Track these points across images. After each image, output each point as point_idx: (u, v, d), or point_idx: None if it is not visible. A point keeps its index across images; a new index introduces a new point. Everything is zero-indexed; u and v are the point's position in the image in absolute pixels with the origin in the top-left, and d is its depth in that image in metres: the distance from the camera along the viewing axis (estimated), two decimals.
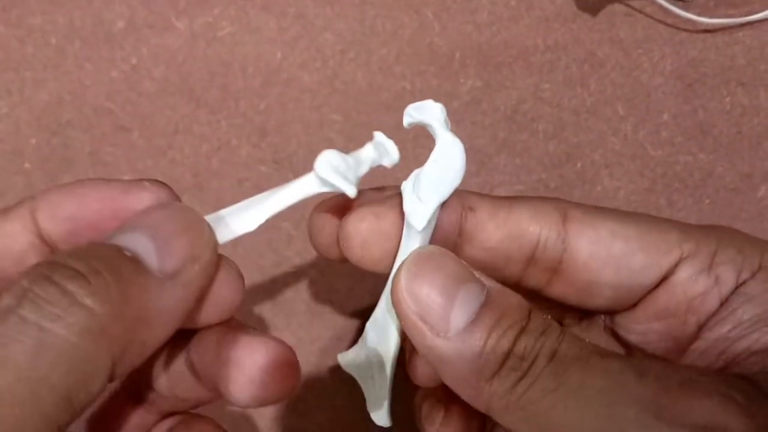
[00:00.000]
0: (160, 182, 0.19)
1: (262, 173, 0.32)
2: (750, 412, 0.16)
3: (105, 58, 0.33)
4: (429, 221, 0.19)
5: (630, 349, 0.22)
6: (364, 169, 0.20)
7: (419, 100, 0.33)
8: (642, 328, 0.22)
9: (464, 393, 0.18)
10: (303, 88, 0.33)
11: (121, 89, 0.33)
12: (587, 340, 0.18)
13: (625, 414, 0.16)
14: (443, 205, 0.20)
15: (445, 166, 0.19)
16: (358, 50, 0.33)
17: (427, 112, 0.20)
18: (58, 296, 0.15)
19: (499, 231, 0.21)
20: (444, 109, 0.20)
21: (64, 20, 0.33)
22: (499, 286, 0.18)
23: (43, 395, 0.15)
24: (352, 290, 0.31)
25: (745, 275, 0.20)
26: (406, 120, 0.20)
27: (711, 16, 0.33)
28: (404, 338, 0.21)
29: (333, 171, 0.19)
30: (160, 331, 0.17)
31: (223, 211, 0.19)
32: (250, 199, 0.20)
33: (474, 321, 0.17)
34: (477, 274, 0.19)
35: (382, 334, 0.21)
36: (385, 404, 0.22)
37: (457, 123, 0.33)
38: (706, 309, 0.20)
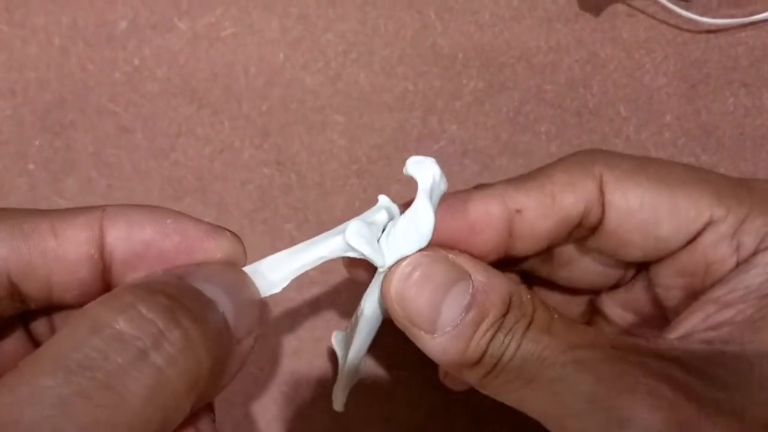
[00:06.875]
0: (237, 236, 0.20)
1: (264, 175, 0.32)
2: (674, 406, 0.17)
3: (108, 58, 0.33)
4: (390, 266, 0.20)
5: (660, 304, 0.23)
6: (379, 233, 0.21)
7: (422, 101, 0.33)
8: (666, 282, 0.22)
9: (448, 368, 0.20)
10: (305, 89, 0.33)
11: (124, 90, 0.33)
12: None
13: (566, 402, 0.18)
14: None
15: (413, 228, 0.20)
16: (360, 51, 0.33)
17: (422, 171, 0.20)
18: (180, 339, 0.16)
19: (548, 222, 0.21)
20: (438, 172, 0.20)
21: (67, 21, 0.33)
22: (485, 279, 0.20)
23: None
24: (355, 292, 0.31)
25: (765, 244, 0.20)
26: (405, 169, 0.21)
27: (714, 17, 0.33)
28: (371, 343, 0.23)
29: (366, 243, 0.20)
30: (220, 391, 0.18)
31: (248, 269, 0.20)
32: (275, 255, 0.20)
33: (458, 325, 0.19)
34: (467, 265, 0.20)
35: (354, 333, 0.23)
36: (341, 391, 0.24)
37: (459, 124, 0.33)
38: (723, 272, 0.21)
